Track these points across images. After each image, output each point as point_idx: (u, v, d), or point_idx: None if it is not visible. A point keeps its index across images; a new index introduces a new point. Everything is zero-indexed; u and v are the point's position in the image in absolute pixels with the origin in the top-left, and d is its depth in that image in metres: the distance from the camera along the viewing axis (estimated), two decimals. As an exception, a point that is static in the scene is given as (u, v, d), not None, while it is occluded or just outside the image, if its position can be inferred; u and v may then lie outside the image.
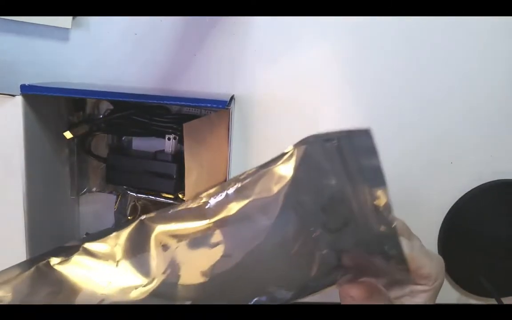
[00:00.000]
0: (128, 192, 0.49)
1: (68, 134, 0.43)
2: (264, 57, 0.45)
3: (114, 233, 0.22)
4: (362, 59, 0.45)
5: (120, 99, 0.43)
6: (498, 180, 0.48)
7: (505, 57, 0.45)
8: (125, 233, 0.22)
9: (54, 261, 0.21)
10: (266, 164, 0.22)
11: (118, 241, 0.22)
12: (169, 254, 0.22)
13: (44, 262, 0.21)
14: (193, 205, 0.22)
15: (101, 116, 0.46)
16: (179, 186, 0.45)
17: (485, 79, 0.45)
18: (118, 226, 0.22)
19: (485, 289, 0.49)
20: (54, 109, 0.44)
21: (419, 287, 0.27)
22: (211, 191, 0.22)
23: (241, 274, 0.22)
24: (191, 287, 0.22)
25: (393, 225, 0.21)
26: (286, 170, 0.22)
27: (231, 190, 0.22)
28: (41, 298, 0.22)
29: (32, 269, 0.21)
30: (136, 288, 0.22)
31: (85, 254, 0.22)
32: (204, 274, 0.22)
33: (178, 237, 0.22)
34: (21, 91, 0.36)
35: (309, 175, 0.22)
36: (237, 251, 0.22)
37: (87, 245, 0.22)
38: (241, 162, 0.47)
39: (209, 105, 0.39)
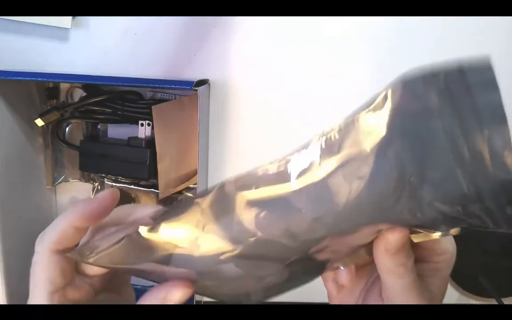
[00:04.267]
0: (105, 180, 0.49)
1: (39, 122, 0.43)
2: (265, 57, 0.44)
3: (196, 200, 0.21)
4: (357, 55, 0.44)
5: (85, 82, 0.43)
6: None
7: (506, 57, 0.44)
8: (208, 199, 0.21)
9: (142, 229, 0.21)
10: (354, 113, 0.19)
11: (202, 206, 0.21)
12: (253, 219, 0.21)
13: (135, 231, 0.21)
14: (273, 169, 0.20)
15: (70, 102, 0.45)
16: (154, 171, 0.45)
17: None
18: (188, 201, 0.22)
19: (485, 290, 0.48)
20: (26, 97, 0.45)
21: (436, 265, 0.25)
22: (291, 154, 0.20)
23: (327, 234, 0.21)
24: (277, 248, 0.21)
25: None
26: (379, 119, 0.19)
27: (315, 150, 0.20)
28: (134, 261, 0.22)
29: (123, 240, 0.22)
30: (223, 253, 0.21)
31: (171, 221, 0.22)
32: (290, 235, 0.21)
33: (261, 201, 0.21)
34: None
35: (408, 120, 0.19)
36: (324, 215, 0.20)
37: (171, 213, 0.22)
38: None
39: (173, 86, 0.39)
